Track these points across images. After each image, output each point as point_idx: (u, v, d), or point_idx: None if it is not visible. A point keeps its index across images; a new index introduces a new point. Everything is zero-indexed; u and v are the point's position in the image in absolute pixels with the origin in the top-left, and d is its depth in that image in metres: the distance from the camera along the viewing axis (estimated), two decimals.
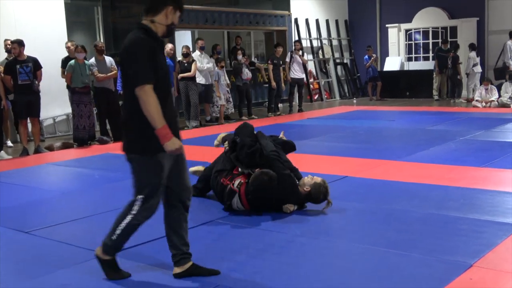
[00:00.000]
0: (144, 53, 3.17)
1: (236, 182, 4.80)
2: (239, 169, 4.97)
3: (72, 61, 9.70)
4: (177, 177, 3.40)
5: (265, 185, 4.57)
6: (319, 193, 4.75)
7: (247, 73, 13.04)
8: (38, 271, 3.69)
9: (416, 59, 17.90)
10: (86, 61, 9.84)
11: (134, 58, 3.18)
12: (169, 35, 3.45)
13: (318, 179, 4.78)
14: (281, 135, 5.54)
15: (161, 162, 3.26)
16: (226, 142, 5.32)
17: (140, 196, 3.31)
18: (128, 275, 3.51)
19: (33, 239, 4.39)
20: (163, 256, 3.78)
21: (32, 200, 5.58)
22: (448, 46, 15.70)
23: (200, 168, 5.62)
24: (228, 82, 12.65)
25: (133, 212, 3.32)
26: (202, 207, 5.06)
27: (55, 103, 10.97)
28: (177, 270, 3.47)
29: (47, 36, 11.06)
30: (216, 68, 12.28)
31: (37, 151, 9.06)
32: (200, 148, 8.31)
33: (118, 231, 3.37)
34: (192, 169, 5.56)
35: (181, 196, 3.44)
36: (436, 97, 15.88)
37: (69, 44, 10.54)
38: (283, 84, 13.57)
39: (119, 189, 6.08)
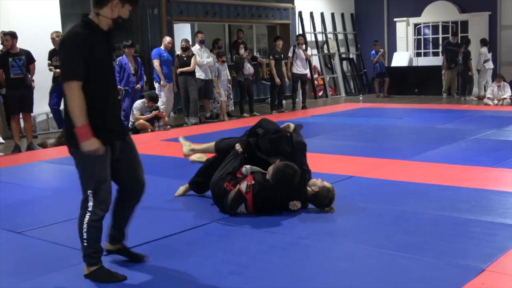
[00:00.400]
0: (74, 48, 3.23)
1: (244, 186, 4.69)
2: (243, 172, 4.83)
3: None
4: (128, 171, 3.57)
5: (289, 178, 4.57)
6: (326, 198, 4.76)
7: (249, 68, 13.02)
8: (31, 273, 3.68)
9: (425, 54, 17.87)
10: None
11: (64, 53, 3.30)
12: (119, 29, 3.50)
13: (328, 184, 4.79)
14: (288, 125, 5.41)
15: (100, 155, 3.34)
16: (238, 145, 5.03)
17: (89, 191, 3.40)
18: (124, 277, 3.50)
19: (25, 240, 4.38)
20: (161, 258, 3.77)
21: (24, 199, 5.56)
22: (458, 40, 15.66)
23: (202, 157, 5.51)
24: (229, 77, 12.63)
25: (89, 209, 3.40)
26: (202, 208, 5.05)
27: (48, 98, 10.93)
28: (110, 246, 3.74)
29: (40, 29, 11.02)
30: (217, 63, 12.27)
31: (30, 148, 9.06)
32: None
33: (85, 235, 3.42)
34: (192, 158, 5.56)
35: (133, 189, 3.63)
36: (444, 95, 15.82)
37: (54, 35, 10.40)
38: (286, 79, 13.50)
39: (115, 188, 6.05)
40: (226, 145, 5.17)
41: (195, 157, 5.57)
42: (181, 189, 5.48)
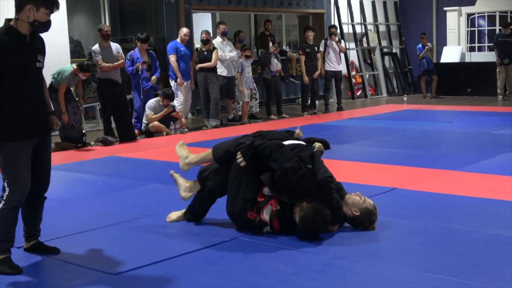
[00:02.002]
0: None
1: (266, 214, 4.65)
2: (264, 193, 4.73)
3: (69, 72, 9.56)
4: (34, 168, 4.21)
5: (319, 228, 4.55)
6: (367, 222, 4.75)
7: (276, 64, 13.05)
8: None
9: (480, 49, 17.72)
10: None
11: None
12: (39, 30, 4.22)
13: (369, 204, 4.74)
14: (297, 131, 5.28)
15: (12, 151, 4.05)
16: (240, 157, 4.75)
17: (5, 182, 4.08)
18: (21, 270, 4.04)
19: (26, 256, 4.44)
20: (177, 278, 3.82)
21: None
22: (510, 30, 15.43)
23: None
24: (250, 74, 12.49)
25: (4, 198, 4.07)
26: (222, 222, 5.07)
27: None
28: (27, 245, 4.42)
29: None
30: (240, 57, 12.29)
31: None
32: None
33: None
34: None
35: (38, 189, 4.33)
36: (499, 97, 15.57)
37: None
38: (316, 73, 13.31)
39: (126, 198, 6.15)
40: (224, 152, 4.91)
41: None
42: (175, 214, 5.21)
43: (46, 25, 4.20)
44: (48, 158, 4.42)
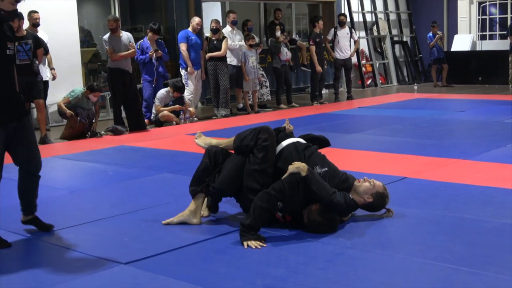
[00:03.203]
0: None
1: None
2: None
3: (79, 93, 9.67)
4: (22, 151, 4.49)
5: (326, 232, 4.54)
6: (382, 205, 4.75)
7: (286, 53, 13.02)
8: (44, 282, 3.76)
9: (491, 37, 17.61)
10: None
11: None
12: (5, 19, 4.37)
13: (379, 187, 4.71)
14: (285, 124, 5.20)
15: None
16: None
17: None
18: (9, 245, 4.36)
19: (37, 245, 4.47)
20: (185, 268, 3.82)
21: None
22: None
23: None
24: (255, 64, 12.34)
25: None
26: (231, 211, 5.07)
27: (62, 86, 11.11)
28: (24, 218, 4.73)
29: (54, 8, 11.20)
30: (244, 47, 12.23)
31: (44, 141, 9.12)
32: None
33: None
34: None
35: (29, 169, 4.61)
36: (510, 85, 15.44)
37: (35, 15, 10.26)
38: (325, 65, 13.38)
39: (136, 188, 6.16)
40: (245, 148, 4.78)
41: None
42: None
43: (13, 14, 4.40)
44: (31, 139, 4.59)
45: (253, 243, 4.22)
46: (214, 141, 5.07)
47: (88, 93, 9.69)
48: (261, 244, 4.24)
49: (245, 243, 4.24)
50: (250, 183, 4.64)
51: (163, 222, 4.79)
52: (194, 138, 5.22)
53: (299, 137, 5.06)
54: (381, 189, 4.73)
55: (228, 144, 4.94)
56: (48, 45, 10.31)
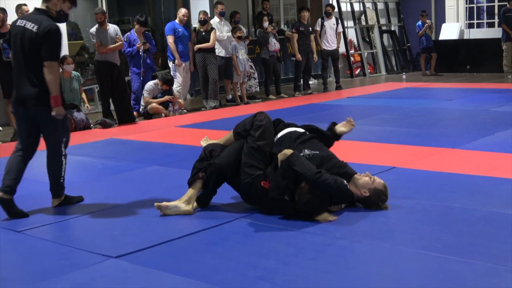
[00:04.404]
0: None
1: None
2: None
3: None
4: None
5: (316, 210, 4.56)
6: (378, 203, 4.75)
7: (274, 44, 13.01)
8: (31, 277, 3.75)
9: (479, 25, 17.65)
10: (74, 73, 9.89)
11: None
12: (60, 21, 5.11)
13: (379, 184, 4.73)
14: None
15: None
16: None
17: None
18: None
19: (26, 240, 4.46)
20: (177, 260, 3.83)
21: (25, 193, 5.63)
22: None
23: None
24: (244, 57, 12.34)
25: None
26: (222, 203, 5.08)
27: None
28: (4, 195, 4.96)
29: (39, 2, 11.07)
30: (233, 40, 12.21)
31: None
32: (219, 133, 8.31)
33: None
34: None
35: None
36: (510, 75, 15.22)
37: (25, 8, 10.01)
38: (315, 55, 13.43)
39: (126, 181, 6.16)
40: (243, 132, 4.95)
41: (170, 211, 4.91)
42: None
43: (65, 18, 5.20)
44: (46, 132, 5.27)
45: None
46: (216, 141, 5.18)
47: (61, 66, 9.47)
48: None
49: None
50: (249, 160, 4.75)
51: (155, 204, 4.84)
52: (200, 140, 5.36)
53: (302, 126, 5.13)
54: (380, 187, 4.74)
55: (228, 138, 5.08)
56: None
